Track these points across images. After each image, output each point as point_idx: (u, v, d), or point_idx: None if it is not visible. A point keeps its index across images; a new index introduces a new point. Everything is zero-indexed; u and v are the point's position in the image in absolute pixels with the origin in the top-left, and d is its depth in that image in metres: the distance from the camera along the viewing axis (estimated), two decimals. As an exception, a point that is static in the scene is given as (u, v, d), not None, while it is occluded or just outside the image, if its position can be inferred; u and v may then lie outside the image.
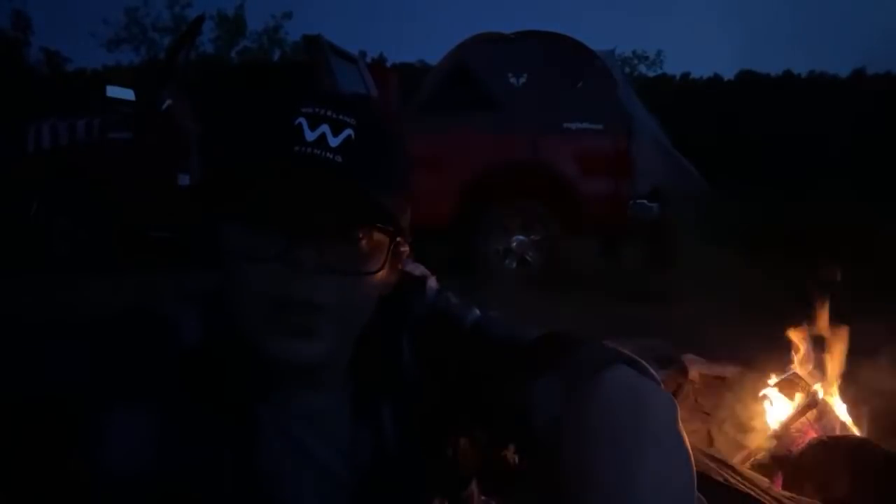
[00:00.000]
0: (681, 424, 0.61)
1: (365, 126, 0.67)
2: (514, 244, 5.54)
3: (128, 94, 5.48)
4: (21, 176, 5.36)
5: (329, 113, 0.65)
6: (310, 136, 0.64)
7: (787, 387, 2.20)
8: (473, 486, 0.82)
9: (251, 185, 0.65)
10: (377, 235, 0.68)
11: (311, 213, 0.64)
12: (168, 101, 5.33)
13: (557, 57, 5.61)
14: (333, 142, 0.64)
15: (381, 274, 0.69)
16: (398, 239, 0.70)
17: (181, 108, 5.38)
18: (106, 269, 4.99)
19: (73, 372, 0.67)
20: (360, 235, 0.67)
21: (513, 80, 5.55)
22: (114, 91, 5.42)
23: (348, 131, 0.65)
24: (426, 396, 0.75)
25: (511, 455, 0.84)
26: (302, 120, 0.64)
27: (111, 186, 5.27)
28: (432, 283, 0.82)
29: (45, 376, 0.68)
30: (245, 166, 0.66)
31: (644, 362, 0.67)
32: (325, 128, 0.64)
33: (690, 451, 0.60)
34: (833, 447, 1.85)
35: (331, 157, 0.64)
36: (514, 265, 5.55)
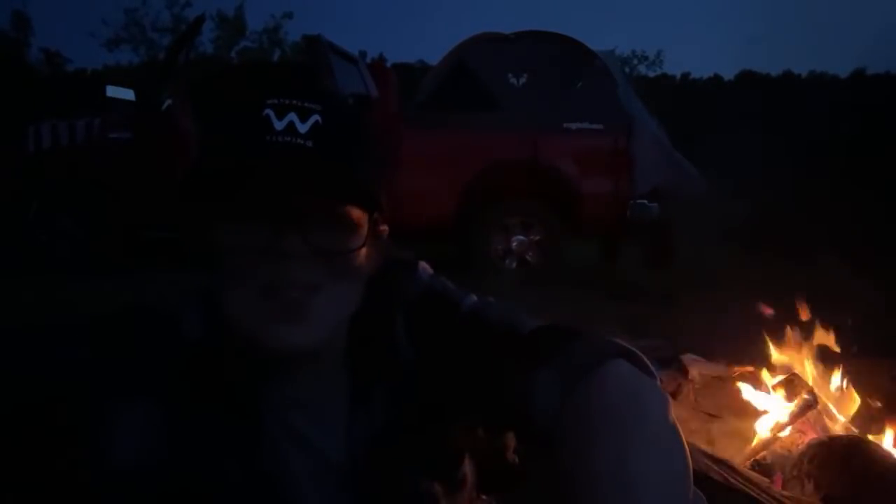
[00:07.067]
0: (674, 418, 0.63)
1: (332, 110, 0.69)
2: (514, 244, 5.54)
3: (128, 94, 5.48)
4: (21, 176, 5.36)
5: (294, 101, 0.68)
6: (278, 125, 0.66)
7: (787, 386, 2.20)
8: (466, 468, 0.82)
9: (229, 179, 0.66)
10: (356, 212, 0.69)
11: (290, 199, 0.66)
12: (168, 101, 5.34)
13: (557, 57, 5.61)
14: (302, 128, 0.66)
15: (364, 251, 0.71)
16: (376, 216, 0.72)
17: (181, 108, 5.38)
18: (106, 269, 4.98)
19: (75, 369, 0.68)
20: (340, 214, 0.68)
21: (513, 80, 5.55)
22: (114, 91, 5.42)
23: (315, 117, 0.67)
24: (420, 379, 0.75)
25: (511, 455, 0.84)
26: (269, 111, 0.67)
27: (111, 186, 5.27)
28: (425, 265, 0.82)
29: (48, 374, 0.68)
30: (221, 161, 0.67)
31: (641, 354, 0.69)
32: (292, 116, 0.67)
33: (685, 445, 0.61)
34: (833, 447, 1.85)
35: (302, 142, 0.66)
36: (514, 265, 5.55)
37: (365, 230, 0.70)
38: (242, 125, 0.67)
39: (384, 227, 0.75)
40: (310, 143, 0.66)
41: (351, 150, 0.69)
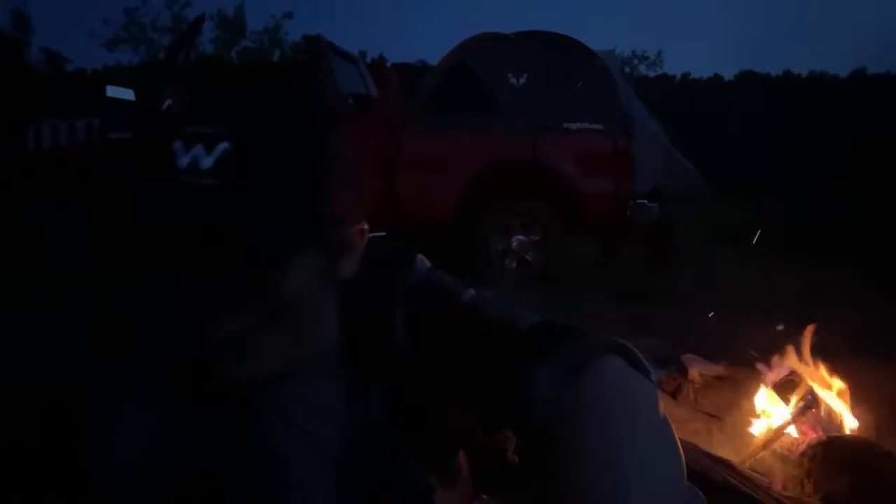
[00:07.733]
0: (664, 412, 0.64)
1: (247, 130, 0.58)
2: (514, 244, 5.54)
3: (128, 94, 5.47)
4: (21, 176, 5.36)
5: (201, 127, 0.58)
6: (183, 161, 0.57)
7: (787, 387, 2.20)
8: (462, 460, 0.82)
9: (139, 229, 0.60)
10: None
11: (198, 254, 0.56)
12: (168, 101, 5.34)
13: (557, 57, 5.61)
14: (206, 162, 0.56)
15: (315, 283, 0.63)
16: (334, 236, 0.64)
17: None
18: (106, 269, 4.98)
19: (75, 369, 0.68)
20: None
21: (513, 80, 5.55)
22: (114, 91, 5.42)
23: (223, 145, 0.56)
24: (417, 370, 0.75)
25: (511, 455, 0.84)
26: (178, 143, 0.58)
27: (111, 186, 5.26)
28: (423, 258, 0.82)
29: (48, 374, 0.68)
30: (134, 212, 0.61)
31: (636, 351, 0.69)
32: (198, 148, 0.57)
33: (677, 439, 0.63)
34: (833, 447, 1.85)
35: (203, 182, 0.56)
36: (514, 265, 5.55)
37: (313, 262, 0.62)
38: (152, 162, 0.59)
39: (362, 228, 0.69)
40: (211, 182, 0.55)
41: (274, 179, 0.57)
